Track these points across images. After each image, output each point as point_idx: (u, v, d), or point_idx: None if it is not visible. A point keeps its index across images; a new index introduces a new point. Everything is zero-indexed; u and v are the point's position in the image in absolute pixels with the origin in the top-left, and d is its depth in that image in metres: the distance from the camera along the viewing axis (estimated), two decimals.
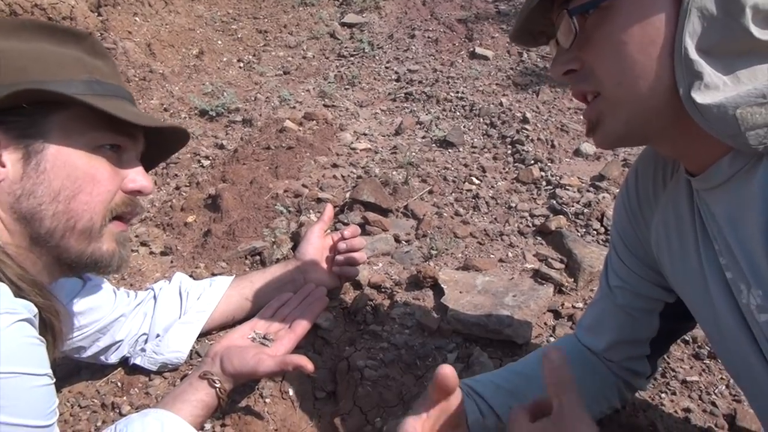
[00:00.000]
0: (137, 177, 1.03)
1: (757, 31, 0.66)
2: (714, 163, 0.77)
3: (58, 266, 0.98)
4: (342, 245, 1.58)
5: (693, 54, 0.69)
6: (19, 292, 0.82)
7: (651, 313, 1.10)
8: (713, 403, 1.30)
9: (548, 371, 0.75)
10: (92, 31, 0.96)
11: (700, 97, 0.68)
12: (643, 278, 1.08)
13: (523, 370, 1.18)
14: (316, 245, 1.60)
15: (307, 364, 1.20)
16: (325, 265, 1.61)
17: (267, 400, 1.34)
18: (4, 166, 0.88)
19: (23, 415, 0.74)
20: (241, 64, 3.73)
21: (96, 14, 3.90)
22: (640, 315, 1.10)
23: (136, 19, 3.92)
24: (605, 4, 0.74)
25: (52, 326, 0.90)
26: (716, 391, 1.33)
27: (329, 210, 1.65)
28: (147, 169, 1.10)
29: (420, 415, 0.89)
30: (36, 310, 0.81)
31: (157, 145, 1.12)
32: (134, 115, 0.98)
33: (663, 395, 1.33)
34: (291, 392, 1.38)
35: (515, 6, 4.28)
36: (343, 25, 4.25)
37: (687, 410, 1.29)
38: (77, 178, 0.93)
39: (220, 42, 4.00)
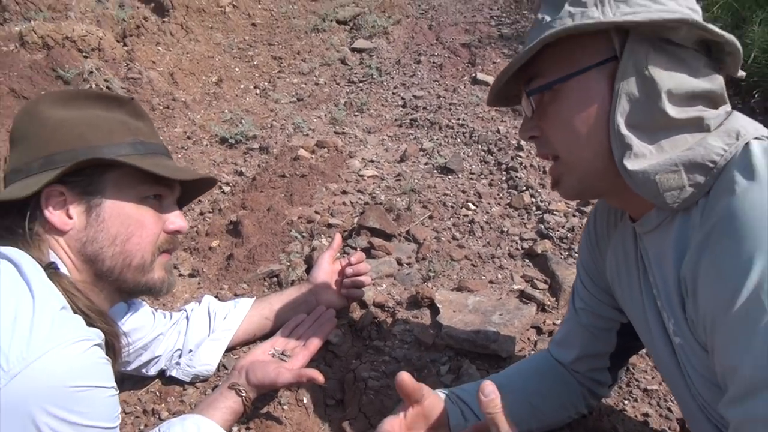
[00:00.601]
0: (176, 220, 1.26)
1: (672, 110, 0.87)
2: (645, 213, 0.98)
3: (118, 294, 1.21)
4: (349, 270, 1.80)
5: (623, 129, 0.89)
6: (88, 321, 1.05)
7: (609, 331, 1.31)
8: (669, 409, 1.51)
9: (483, 403, 0.94)
10: (133, 96, 1.14)
11: (630, 164, 0.89)
12: (602, 302, 1.29)
13: (501, 381, 1.39)
14: (327, 270, 1.82)
15: (319, 376, 1.42)
16: (334, 288, 1.83)
17: (284, 407, 1.56)
18: (71, 218, 1.11)
19: (98, 419, 0.95)
20: (258, 91, 3.98)
21: (122, 44, 4.18)
22: (600, 333, 1.31)
23: (159, 48, 4.19)
24: (556, 87, 0.95)
25: (113, 347, 1.12)
26: (672, 398, 1.53)
27: (338, 239, 1.87)
28: (181, 207, 1.34)
29: (397, 416, 1.11)
30: (103, 336, 1.04)
31: (189, 188, 1.36)
32: (172, 171, 1.20)
33: (626, 402, 1.54)
34: (305, 400, 1.60)
35: (517, 30, 4.50)
36: (353, 50, 4.49)
37: (646, 415, 1.49)
38: (129, 224, 1.15)
39: (237, 69, 4.25)
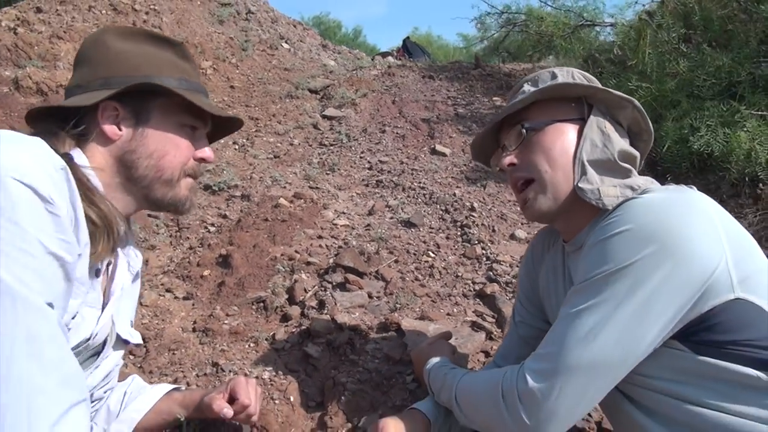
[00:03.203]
0: (205, 149, 1.38)
1: (618, 159, 1.29)
2: (577, 233, 1.38)
3: (146, 202, 1.33)
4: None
5: (585, 162, 1.31)
6: (91, 200, 1.13)
7: (539, 339, 1.68)
8: (589, 414, 1.87)
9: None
10: (183, 41, 1.27)
11: (582, 184, 1.29)
12: (534, 315, 1.67)
13: None
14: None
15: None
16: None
17: (276, 402, 1.86)
18: (120, 130, 1.25)
19: (24, 224, 0.90)
20: (236, 147, 4.34)
21: None
22: (534, 341, 1.67)
23: None
24: (541, 127, 1.36)
25: (110, 230, 1.18)
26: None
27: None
28: (209, 142, 1.45)
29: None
30: (63, 164, 1.04)
31: (218, 127, 1.49)
32: (209, 106, 1.33)
33: None
34: (291, 399, 1.90)
35: (471, 110, 5.05)
36: (324, 117, 4.94)
37: None
38: (166, 144, 1.29)
39: None
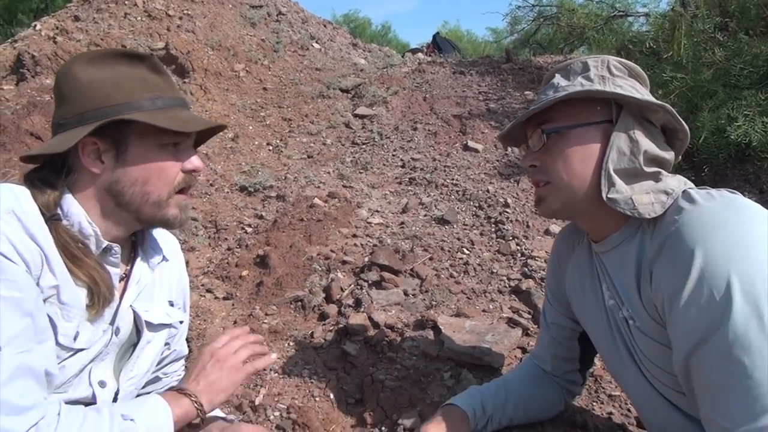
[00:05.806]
0: (192, 160, 1.35)
1: (645, 166, 1.27)
2: (608, 236, 1.38)
3: (137, 222, 1.35)
4: None
5: (612, 172, 1.28)
6: (74, 261, 1.20)
7: (572, 339, 1.68)
8: (628, 409, 1.87)
9: None
10: (152, 52, 1.24)
11: (612, 195, 1.28)
12: (563, 315, 1.67)
13: (505, 386, 1.72)
14: None
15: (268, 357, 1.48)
16: None
17: (316, 399, 1.90)
18: (103, 163, 1.26)
19: None
20: (270, 148, 4.41)
21: None
22: (566, 341, 1.68)
23: None
24: (564, 131, 1.34)
25: (95, 292, 1.24)
26: (631, 401, 1.90)
27: None
28: (196, 146, 1.43)
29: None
30: (10, 207, 1.12)
31: (203, 132, 1.46)
32: (183, 124, 1.29)
33: (594, 404, 1.90)
34: (331, 396, 1.94)
35: (503, 105, 5.03)
36: (355, 116, 4.97)
37: (610, 414, 1.85)
38: (149, 169, 1.29)
39: (251, 127, 4.69)
